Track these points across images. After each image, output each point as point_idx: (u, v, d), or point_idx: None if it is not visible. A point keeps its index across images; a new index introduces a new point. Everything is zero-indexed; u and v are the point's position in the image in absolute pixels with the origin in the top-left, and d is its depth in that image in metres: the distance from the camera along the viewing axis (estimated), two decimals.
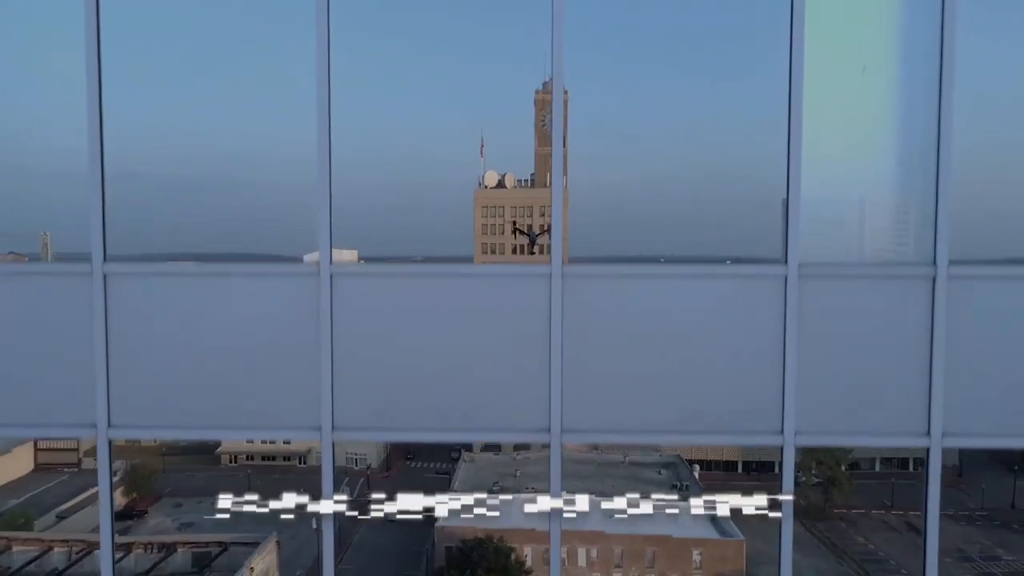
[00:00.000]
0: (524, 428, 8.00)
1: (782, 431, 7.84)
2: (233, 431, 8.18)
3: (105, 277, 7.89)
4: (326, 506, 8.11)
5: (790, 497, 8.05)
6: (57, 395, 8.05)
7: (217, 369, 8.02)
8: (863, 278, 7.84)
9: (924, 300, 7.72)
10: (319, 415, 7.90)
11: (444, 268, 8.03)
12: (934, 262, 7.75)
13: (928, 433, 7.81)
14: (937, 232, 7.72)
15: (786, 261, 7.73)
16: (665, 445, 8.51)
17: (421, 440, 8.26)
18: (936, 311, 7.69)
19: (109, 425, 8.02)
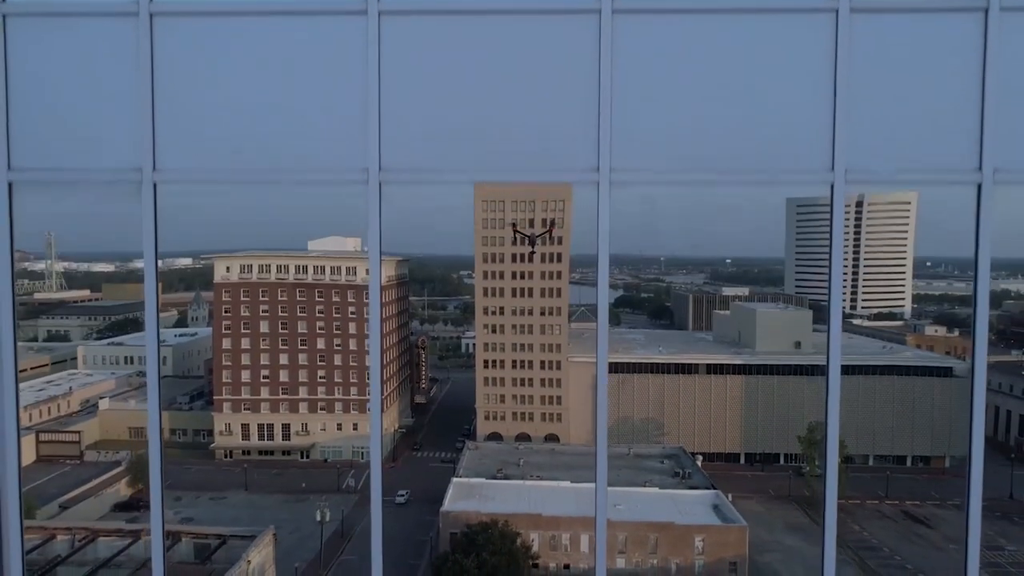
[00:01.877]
0: (571, 168, 7.84)
1: (832, 171, 7.73)
2: (279, 178, 8.04)
3: (151, 18, 7.81)
4: (374, 270, 7.94)
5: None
6: (104, 141, 7.91)
7: (263, 114, 7.87)
8: (914, 11, 7.75)
9: (976, 33, 7.63)
10: (365, 158, 7.75)
11: (493, 4, 7.86)
12: None
13: (980, 168, 7.69)
14: None
15: None
16: (713, 186, 8.29)
17: (470, 179, 8.10)
18: (989, 44, 7.59)
19: (154, 169, 7.89)
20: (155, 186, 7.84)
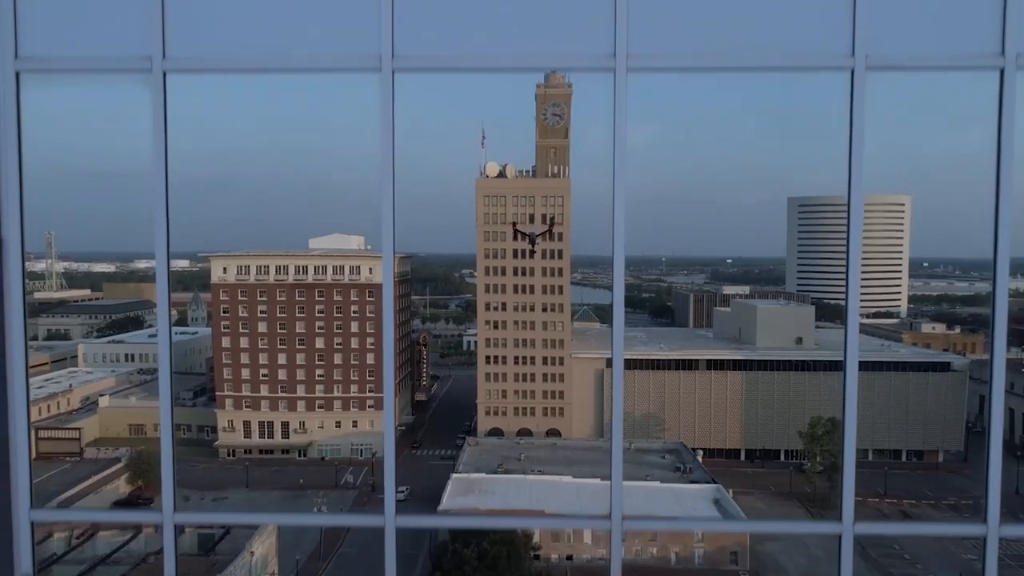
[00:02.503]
0: (585, 54, 7.70)
1: (852, 57, 7.60)
2: (290, 65, 7.87)
3: None
4: (384, 154, 7.81)
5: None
6: (113, 29, 7.76)
7: (274, 1, 7.77)
8: None
9: None
10: (378, 45, 7.61)
11: None
12: None
13: (1003, 53, 7.57)
14: None
15: None
16: (732, 72, 8.11)
17: (484, 68, 7.98)
18: None
19: (164, 57, 7.75)
20: (164, 75, 7.69)
